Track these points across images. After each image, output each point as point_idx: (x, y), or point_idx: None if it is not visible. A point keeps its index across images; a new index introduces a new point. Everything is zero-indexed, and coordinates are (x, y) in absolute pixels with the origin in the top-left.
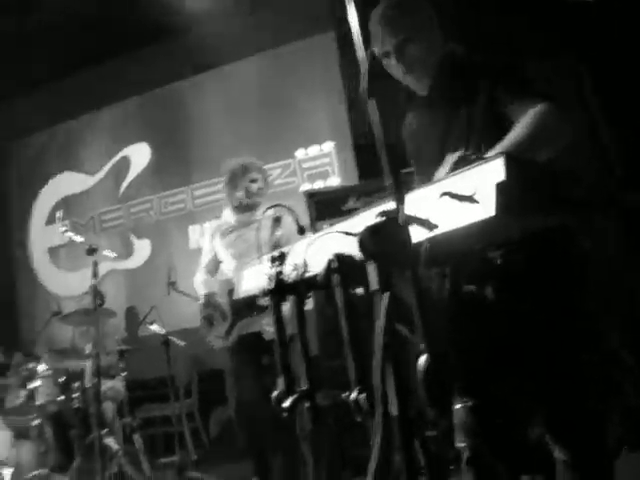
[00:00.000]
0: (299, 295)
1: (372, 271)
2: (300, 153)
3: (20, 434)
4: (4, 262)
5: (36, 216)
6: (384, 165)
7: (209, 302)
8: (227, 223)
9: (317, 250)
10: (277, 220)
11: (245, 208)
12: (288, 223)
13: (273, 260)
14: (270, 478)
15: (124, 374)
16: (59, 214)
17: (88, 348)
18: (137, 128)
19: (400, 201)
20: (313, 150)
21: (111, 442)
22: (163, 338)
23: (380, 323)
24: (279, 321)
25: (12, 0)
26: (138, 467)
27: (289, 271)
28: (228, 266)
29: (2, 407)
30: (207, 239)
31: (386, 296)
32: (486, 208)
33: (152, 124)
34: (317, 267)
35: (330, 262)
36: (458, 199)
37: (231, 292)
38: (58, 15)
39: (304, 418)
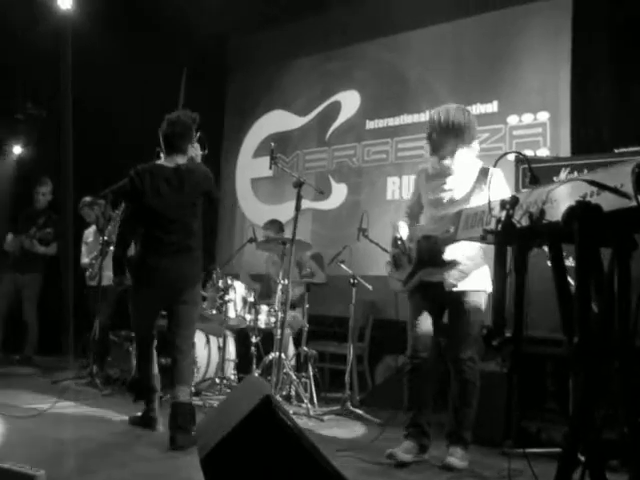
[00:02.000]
0: (527, 241)
1: None
2: (513, 120)
3: (208, 340)
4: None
5: (245, 148)
6: None
7: (399, 244)
8: (433, 168)
9: (556, 199)
10: (484, 172)
11: (442, 157)
12: (497, 178)
13: (503, 204)
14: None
15: (307, 306)
16: (273, 145)
17: (278, 276)
18: (351, 76)
19: None
20: (526, 118)
21: (287, 364)
22: (352, 279)
23: None
24: (502, 260)
25: None
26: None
27: (519, 216)
28: (426, 213)
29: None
30: (414, 178)
31: None
32: None
33: (364, 73)
34: (553, 216)
35: (572, 209)
36: None
37: (424, 238)
38: None
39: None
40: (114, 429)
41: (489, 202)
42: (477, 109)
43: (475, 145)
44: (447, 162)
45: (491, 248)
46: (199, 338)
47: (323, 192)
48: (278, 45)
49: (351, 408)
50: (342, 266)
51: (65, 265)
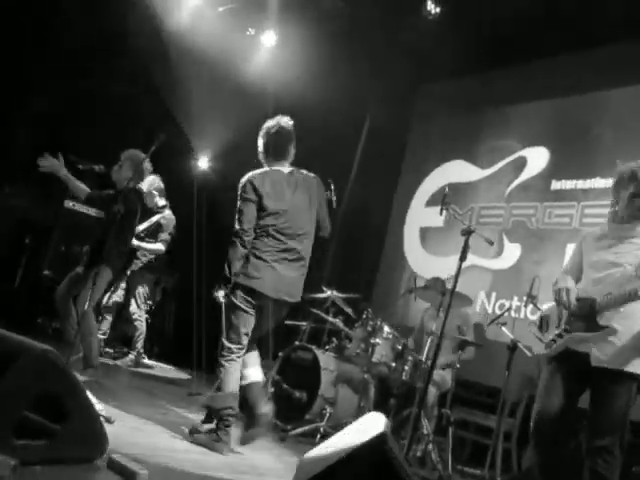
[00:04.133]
0: None
1: None
2: None
3: (345, 379)
4: (379, 229)
5: (418, 196)
6: None
7: (557, 298)
8: (602, 229)
9: None
10: None
11: (622, 220)
12: None
13: None
14: None
15: (457, 366)
16: (447, 190)
17: (435, 331)
18: (540, 131)
19: None
20: None
21: (425, 424)
22: (511, 343)
23: None
24: None
25: None
26: (442, 461)
27: None
28: (587, 275)
29: (342, 353)
30: (577, 240)
31: None
32: None
33: (556, 131)
34: None
35: None
36: None
37: (579, 300)
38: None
39: None
40: None
41: None
42: None
43: None
44: (627, 226)
45: None
46: (339, 378)
47: (492, 242)
48: (466, 95)
49: None
50: (504, 329)
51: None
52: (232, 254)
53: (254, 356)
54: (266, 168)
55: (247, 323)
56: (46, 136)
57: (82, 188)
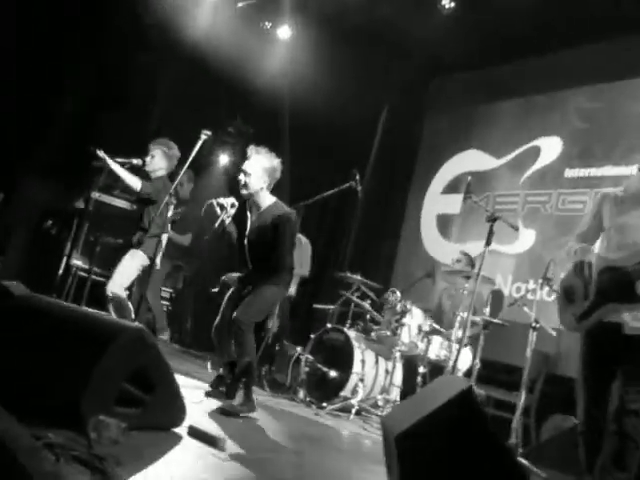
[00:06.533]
0: None
1: None
2: None
3: (377, 361)
4: (397, 218)
5: (435, 184)
6: None
7: (586, 271)
8: (624, 191)
9: None
10: None
11: None
12: None
13: None
14: None
15: (482, 344)
16: (470, 178)
17: (454, 309)
18: (554, 122)
19: None
20: None
21: None
22: (534, 321)
23: None
24: None
25: None
26: None
27: None
28: (610, 239)
29: (369, 334)
30: (594, 202)
31: None
32: None
33: (571, 121)
34: None
35: None
36: None
37: (609, 269)
38: None
39: None
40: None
41: None
42: None
43: None
44: None
45: None
46: (369, 357)
47: (517, 228)
48: (480, 87)
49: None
50: (525, 309)
51: None
52: None
53: None
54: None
55: None
56: (69, 134)
57: (135, 179)
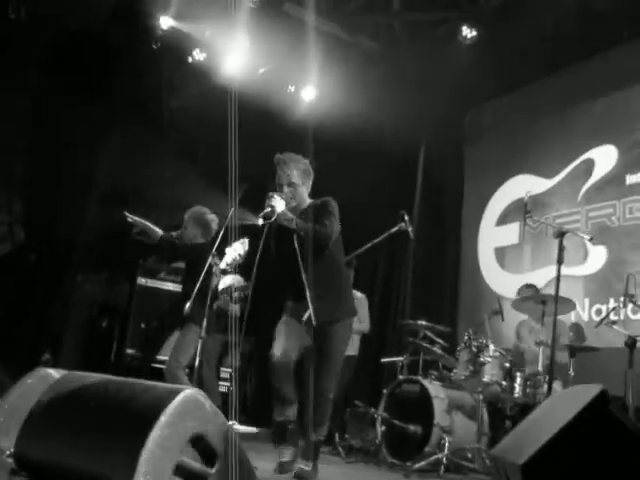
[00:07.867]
0: None
1: None
2: None
3: (457, 405)
4: (452, 256)
5: (487, 217)
6: None
7: None
8: None
9: None
10: None
11: None
12: None
13: None
14: None
15: (572, 374)
16: (527, 197)
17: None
18: (604, 130)
19: None
20: None
21: None
22: (629, 339)
23: None
24: None
25: None
26: None
27: None
28: None
29: (445, 381)
30: None
31: None
32: None
33: (620, 126)
34: None
35: None
36: None
37: None
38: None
39: None
40: None
41: None
42: None
43: None
44: None
45: None
46: (450, 405)
47: (592, 238)
48: (516, 109)
49: None
50: (614, 327)
51: None
52: None
53: None
54: None
55: None
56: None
57: (157, 229)
